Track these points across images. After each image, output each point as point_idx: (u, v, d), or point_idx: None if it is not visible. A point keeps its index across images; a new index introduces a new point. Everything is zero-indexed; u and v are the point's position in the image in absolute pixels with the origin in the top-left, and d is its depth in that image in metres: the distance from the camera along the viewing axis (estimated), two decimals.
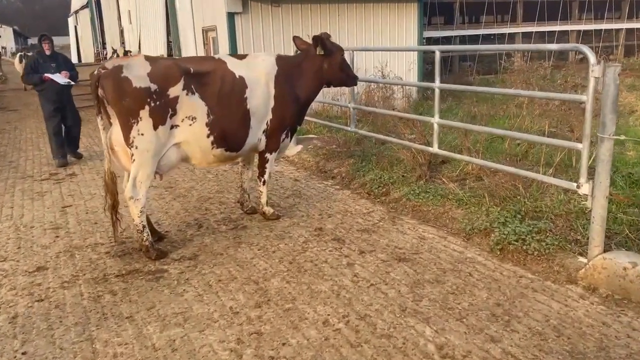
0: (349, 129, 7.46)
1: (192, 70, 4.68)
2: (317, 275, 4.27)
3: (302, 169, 7.90)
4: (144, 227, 4.62)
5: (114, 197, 4.58)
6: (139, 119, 4.38)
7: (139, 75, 4.37)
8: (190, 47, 15.07)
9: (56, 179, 7.82)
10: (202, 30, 14.34)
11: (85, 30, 35.92)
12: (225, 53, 14.51)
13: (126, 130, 4.41)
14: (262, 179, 5.54)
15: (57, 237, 5.35)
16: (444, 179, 6.26)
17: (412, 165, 6.63)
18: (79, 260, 4.74)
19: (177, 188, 7.02)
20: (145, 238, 4.63)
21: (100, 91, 4.34)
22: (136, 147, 4.44)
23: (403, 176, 6.55)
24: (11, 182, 7.64)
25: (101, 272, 4.48)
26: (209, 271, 4.43)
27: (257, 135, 5.20)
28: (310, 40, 5.52)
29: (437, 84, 5.73)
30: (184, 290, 4.12)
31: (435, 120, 5.82)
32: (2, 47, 72.27)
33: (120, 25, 22.53)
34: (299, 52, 5.71)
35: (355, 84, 6.01)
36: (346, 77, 5.75)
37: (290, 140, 5.73)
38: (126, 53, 16.47)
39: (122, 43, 22.17)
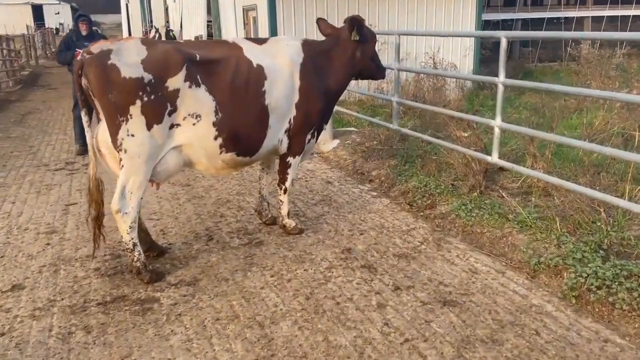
0: (390, 125, 6.48)
1: (198, 57, 3.84)
2: (338, 320, 3.40)
3: (337, 168, 6.99)
4: (134, 245, 3.85)
5: (99, 207, 3.81)
6: (128, 116, 3.59)
7: (130, 62, 3.56)
8: (231, 27, 14.29)
9: (71, 169, 7.22)
10: (243, 9, 13.51)
11: (134, 7, 35.77)
12: (243, 36, 13.68)
13: (113, 129, 3.63)
14: (283, 187, 4.68)
15: (48, 244, 4.67)
16: (502, 192, 5.22)
17: (464, 172, 5.62)
18: (62, 278, 4.04)
19: (194, 187, 6.26)
20: (136, 258, 3.87)
21: (84, 81, 3.56)
22: (125, 151, 3.65)
23: (452, 185, 5.55)
24: (23, 171, 7.09)
25: (82, 296, 3.75)
26: (207, 304, 3.62)
27: (277, 136, 4.34)
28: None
29: (501, 78, 4.67)
30: (171, 331, 3.33)
31: (497, 123, 4.78)
32: (60, 23, 74.03)
33: (165, 3, 22.05)
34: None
35: (384, 78, 5.06)
36: (376, 68, 4.84)
37: (316, 141, 4.83)
38: (168, 33, 15.88)
39: (167, 22, 21.69)
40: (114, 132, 3.63)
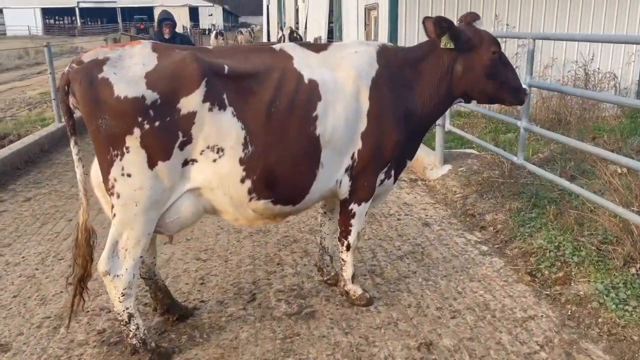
0: (514, 158, 4.90)
1: (226, 69, 2.78)
2: None
3: (442, 204, 5.57)
4: (130, 316, 2.89)
5: (86, 265, 2.89)
6: (124, 149, 2.64)
7: (129, 75, 2.60)
8: (352, 28, 13.25)
9: None
10: (365, 8, 12.40)
11: (273, 9, 36.47)
12: (361, 39, 12.39)
13: (104, 166, 2.70)
14: (345, 242, 3.46)
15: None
16: None
17: (616, 235, 3.95)
18: (56, 340, 3.23)
19: None
20: (132, 333, 2.91)
21: (71, 100, 2.68)
22: (118, 196, 2.71)
23: (599, 251, 3.91)
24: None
25: None
26: None
27: (333, 177, 3.14)
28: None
29: None
30: None
31: None
32: (212, 25, 79.07)
33: (296, 4, 21.72)
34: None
35: (520, 102, 3.52)
36: (498, 88, 3.35)
37: (395, 182, 3.53)
38: (292, 34, 15.32)
39: (297, 23, 21.33)
40: (105, 169, 2.70)
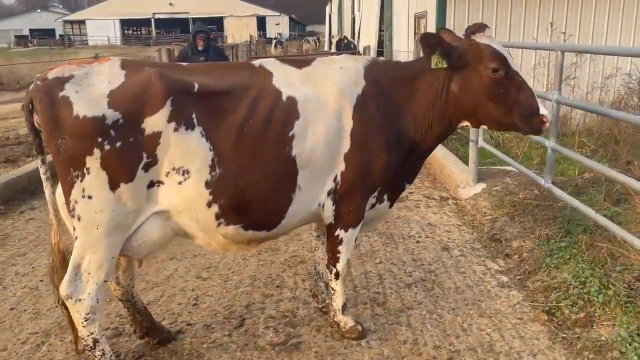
0: (541, 181, 4.46)
1: (196, 87, 2.64)
2: None
3: (469, 225, 5.19)
4: (94, 342, 2.78)
5: None
6: (84, 170, 2.55)
7: (91, 94, 2.51)
8: (403, 37, 12.92)
9: None
10: (415, 16, 12.04)
11: (334, 18, 36.58)
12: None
13: (65, 188, 2.62)
14: (334, 270, 3.21)
15: None
16: None
17: None
18: (38, 357, 3.20)
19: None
20: (98, 359, 2.81)
21: (35, 118, 2.62)
22: (79, 218, 2.62)
23: (630, 291, 3.44)
24: None
25: None
26: None
27: (314, 200, 2.93)
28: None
29: None
30: None
31: None
32: (278, 34, 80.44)
33: (352, 13, 21.58)
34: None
35: (536, 131, 3.02)
36: (505, 112, 2.95)
37: (391, 206, 3.24)
38: (340, 41, 15.08)
39: (353, 32, 21.16)
40: (66, 191, 2.62)
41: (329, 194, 2.93)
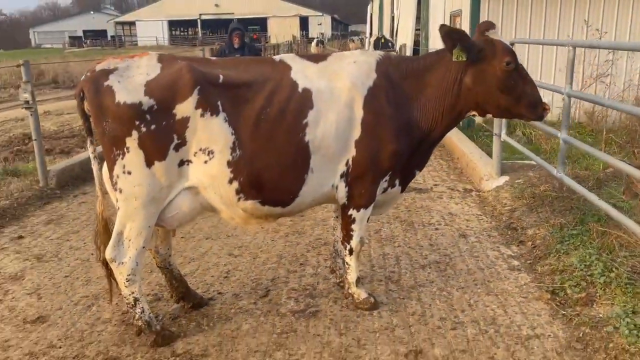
0: (554, 171, 4.64)
1: (221, 78, 3.02)
2: None
3: (488, 215, 5.40)
4: (135, 300, 3.21)
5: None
6: (125, 149, 2.97)
7: (130, 84, 2.93)
8: (438, 35, 13.01)
9: None
10: (450, 15, 12.17)
11: (375, 18, 36.65)
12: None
13: (109, 164, 3.05)
14: (348, 247, 3.54)
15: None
16: None
17: None
18: (87, 317, 3.64)
19: (306, 218, 5.41)
20: (137, 316, 3.23)
21: (85, 105, 3.06)
22: (120, 191, 3.04)
23: (633, 273, 3.62)
24: None
25: (81, 347, 3.27)
26: None
27: (327, 182, 3.26)
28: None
29: None
30: None
31: None
32: (320, 33, 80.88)
33: (392, 12, 21.75)
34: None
35: (540, 117, 3.34)
36: (514, 102, 3.25)
37: (403, 190, 3.54)
38: (377, 40, 15.34)
39: (392, 31, 21.31)
40: (110, 167, 3.05)
41: (341, 176, 3.26)
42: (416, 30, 14.98)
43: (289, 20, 77.89)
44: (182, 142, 3.00)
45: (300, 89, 3.08)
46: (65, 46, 72.82)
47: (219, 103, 2.99)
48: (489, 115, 3.45)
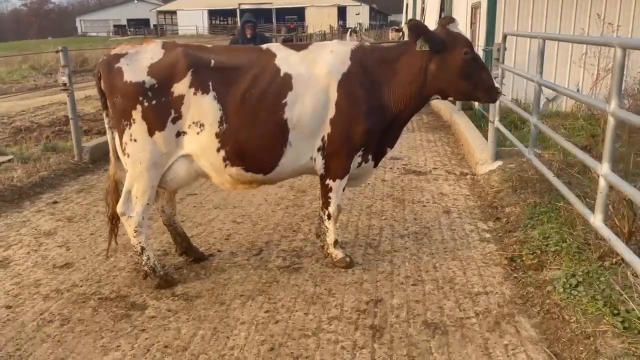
0: (525, 151, 5.03)
1: (212, 62, 3.58)
2: None
3: (476, 196, 5.82)
4: (142, 249, 3.82)
5: (114, 206, 3.89)
6: (131, 121, 3.56)
7: (136, 66, 3.52)
8: (460, 26, 13.28)
9: None
10: (471, 7, 12.41)
11: (410, 8, 36.71)
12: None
13: (120, 133, 3.66)
14: (327, 212, 4.07)
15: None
16: None
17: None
18: (107, 264, 4.29)
19: (308, 194, 5.96)
20: (144, 262, 3.85)
21: (102, 83, 3.67)
22: (128, 155, 3.65)
23: (584, 245, 4.02)
24: None
25: (98, 288, 3.91)
26: (175, 327, 3.38)
27: (305, 154, 3.78)
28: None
29: None
30: (117, 347, 3.20)
31: (603, 171, 3.22)
32: (359, 23, 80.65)
33: (423, 2, 21.96)
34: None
35: (493, 100, 3.87)
36: (472, 87, 3.73)
37: (376, 165, 4.04)
38: (399, 31, 15.61)
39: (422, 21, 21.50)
40: (120, 135, 3.66)
41: (318, 150, 3.78)
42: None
43: (327, 10, 78.02)
44: (179, 116, 3.57)
45: (282, 74, 3.61)
46: (109, 35, 75.24)
47: (209, 83, 3.55)
48: (450, 98, 3.92)
